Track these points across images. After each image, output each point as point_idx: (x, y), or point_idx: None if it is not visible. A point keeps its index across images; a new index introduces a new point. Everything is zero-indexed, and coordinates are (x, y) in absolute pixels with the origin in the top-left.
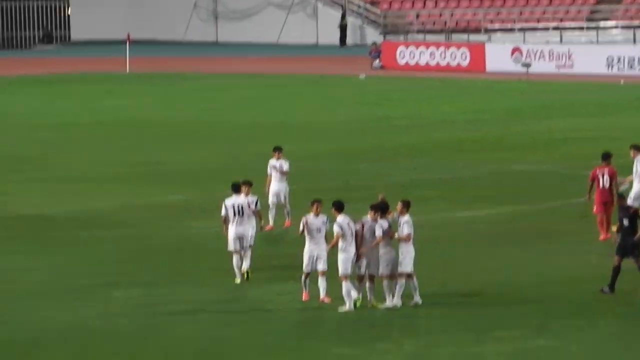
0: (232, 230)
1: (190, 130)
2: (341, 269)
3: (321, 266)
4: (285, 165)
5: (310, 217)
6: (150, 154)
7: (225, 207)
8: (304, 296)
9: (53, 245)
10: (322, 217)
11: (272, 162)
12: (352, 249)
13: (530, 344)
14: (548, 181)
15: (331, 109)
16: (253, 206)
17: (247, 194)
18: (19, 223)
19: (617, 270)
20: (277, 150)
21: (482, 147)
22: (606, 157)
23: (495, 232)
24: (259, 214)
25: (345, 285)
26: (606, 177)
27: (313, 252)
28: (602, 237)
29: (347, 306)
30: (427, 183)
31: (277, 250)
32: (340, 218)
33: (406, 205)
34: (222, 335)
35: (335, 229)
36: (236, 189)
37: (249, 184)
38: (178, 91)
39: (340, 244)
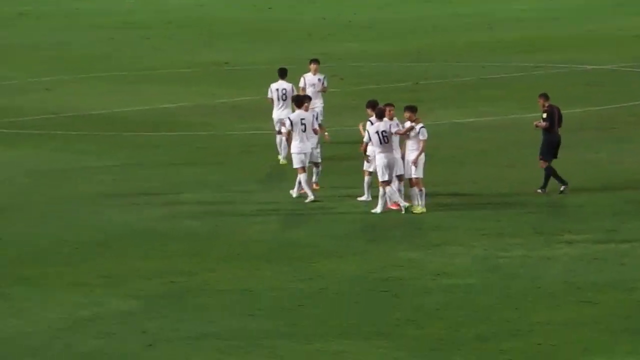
0: (274, 114)
1: (259, 29)
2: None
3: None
4: (325, 81)
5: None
6: (218, 54)
7: (270, 90)
8: (393, 206)
9: (123, 146)
10: (395, 121)
11: (309, 77)
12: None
13: (601, 247)
14: (619, 81)
15: (400, 8)
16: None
17: (306, 109)
18: (89, 123)
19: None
20: (314, 62)
21: (553, 46)
22: None
23: (564, 134)
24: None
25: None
26: None
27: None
28: None
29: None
30: (497, 83)
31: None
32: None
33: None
34: (289, 238)
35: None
36: (282, 74)
37: (309, 99)
38: None
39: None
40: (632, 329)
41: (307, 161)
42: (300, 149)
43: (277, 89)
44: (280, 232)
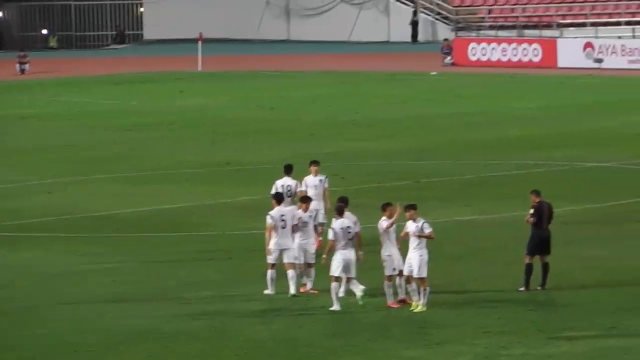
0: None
1: (262, 129)
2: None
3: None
4: (326, 182)
5: (383, 220)
6: (221, 154)
7: (275, 186)
8: (393, 304)
9: (125, 247)
10: (418, 222)
11: (309, 179)
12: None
13: (602, 344)
14: (621, 178)
15: (403, 106)
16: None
17: (305, 210)
18: (92, 224)
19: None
20: (314, 164)
21: (554, 144)
22: None
23: (566, 231)
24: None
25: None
26: None
27: (394, 254)
28: None
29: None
30: (499, 180)
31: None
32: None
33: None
34: (291, 337)
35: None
36: (287, 170)
37: (309, 199)
38: (250, 90)
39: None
40: None
41: (288, 258)
42: (278, 245)
43: (282, 185)
44: (282, 331)
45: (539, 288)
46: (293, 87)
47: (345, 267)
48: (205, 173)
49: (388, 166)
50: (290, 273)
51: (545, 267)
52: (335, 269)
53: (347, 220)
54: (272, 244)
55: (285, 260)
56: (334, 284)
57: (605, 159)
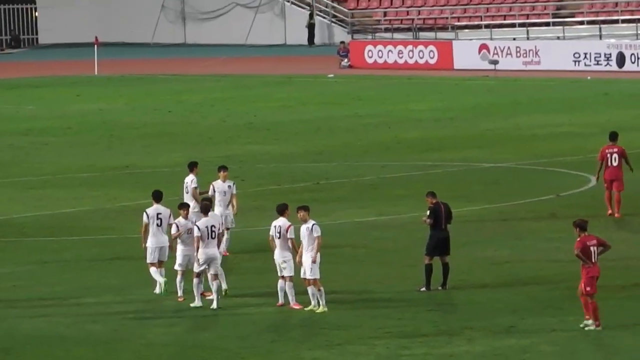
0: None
1: (159, 132)
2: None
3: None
4: (234, 188)
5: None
6: (119, 158)
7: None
8: (296, 305)
9: (22, 252)
10: (309, 223)
11: (218, 184)
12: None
13: (501, 344)
14: (517, 178)
15: (300, 109)
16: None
17: (185, 217)
18: None
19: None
20: (223, 169)
21: (450, 145)
22: (614, 136)
23: (464, 231)
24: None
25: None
26: (615, 155)
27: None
28: (608, 212)
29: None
30: (397, 182)
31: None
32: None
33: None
34: (193, 340)
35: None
36: (190, 167)
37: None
38: (147, 94)
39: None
40: None
41: (163, 256)
42: (155, 243)
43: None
44: (183, 334)
45: (439, 288)
46: (190, 90)
47: (210, 264)
48: (103, 177)
49: (286, 168)
50: (152, 270)
51: (446, 268)
52: (199, 266)
53: (212, 219)
54: (149, 242)
55: (159, 258)
56: (195, 280)
57: (501, 159)
